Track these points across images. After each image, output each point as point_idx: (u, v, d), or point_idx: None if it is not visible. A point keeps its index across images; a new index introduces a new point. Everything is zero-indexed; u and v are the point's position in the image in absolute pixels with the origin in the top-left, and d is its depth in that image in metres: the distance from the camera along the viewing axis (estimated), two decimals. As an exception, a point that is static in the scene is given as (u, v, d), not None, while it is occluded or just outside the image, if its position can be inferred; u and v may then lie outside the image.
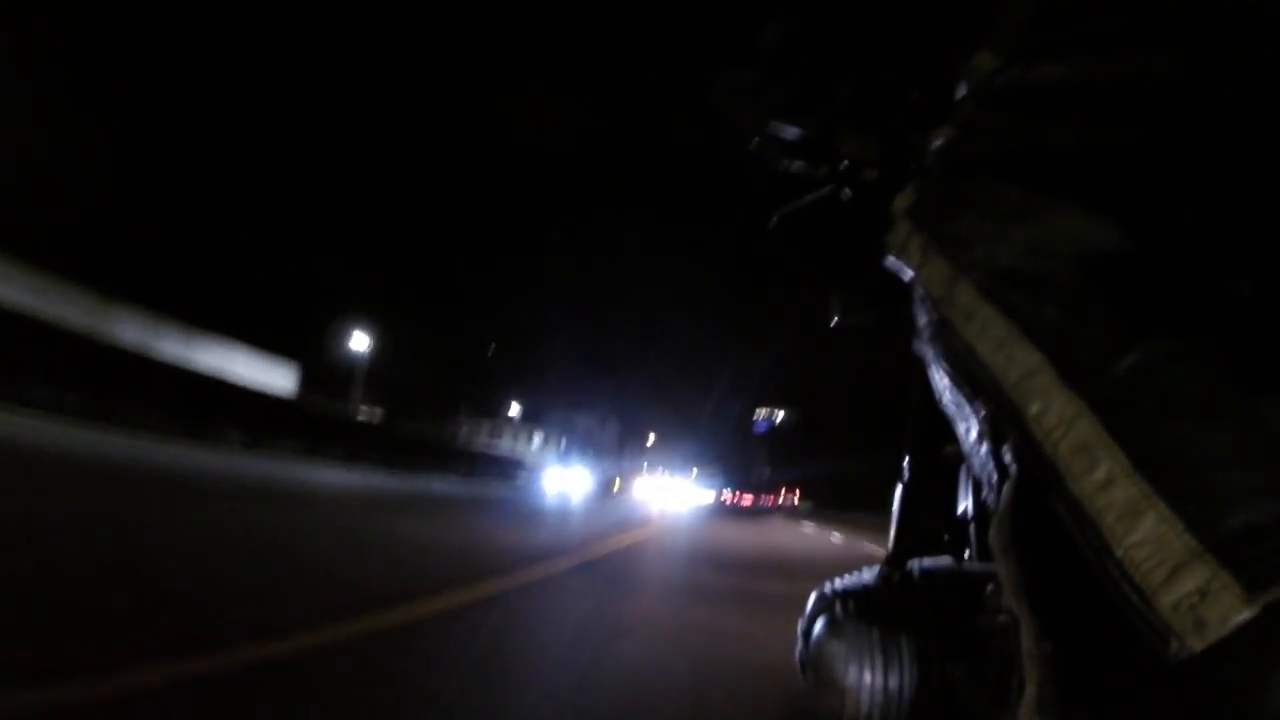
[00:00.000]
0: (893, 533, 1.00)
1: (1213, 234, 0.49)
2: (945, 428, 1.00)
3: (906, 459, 1.03)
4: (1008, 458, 0.50)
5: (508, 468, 31.31)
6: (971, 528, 0.91)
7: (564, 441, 50.71)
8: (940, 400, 0.99)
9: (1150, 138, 0.50)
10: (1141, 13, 0.51)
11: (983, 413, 0.53)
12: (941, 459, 0.97)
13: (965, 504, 0.94)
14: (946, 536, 0.97)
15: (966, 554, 0.93)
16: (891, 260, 0.63)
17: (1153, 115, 0.50)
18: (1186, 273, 0.48)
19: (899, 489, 1.04)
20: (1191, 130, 0.50)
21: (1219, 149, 0.49)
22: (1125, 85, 0.51)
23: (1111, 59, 0.51)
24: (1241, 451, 0.41)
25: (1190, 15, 0.50)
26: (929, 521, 0.99)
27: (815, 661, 0.86)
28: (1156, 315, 0.47)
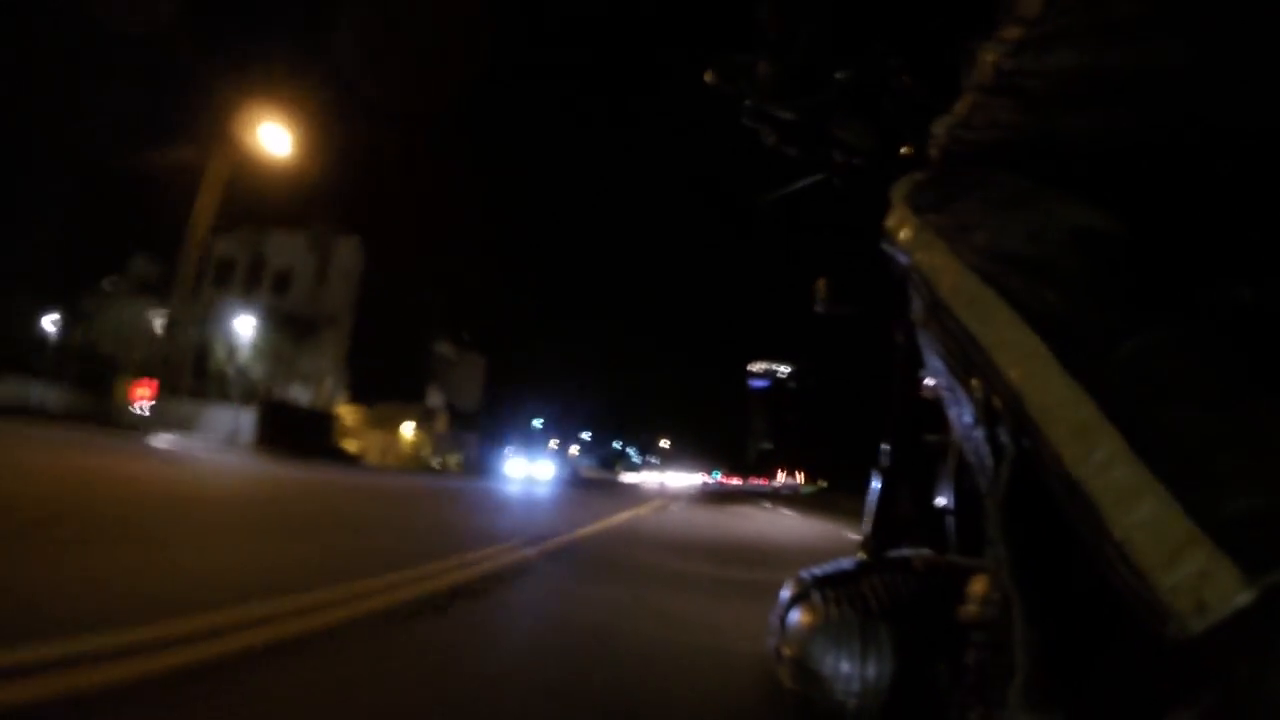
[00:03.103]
0: (870, 521, 1.00)
1: (1216, 223, 0.49)
2: (925, 417, 1.00)
3: (886, 447, 1.03)
4: (1004, 440, 0.50)
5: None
6: (952, 518, 0.91)
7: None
8: (925, 388, 1.00)
9: (1157, 126, 0.50)
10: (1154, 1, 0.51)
11: (979, 396, 0.53)
12: (921, 448, 0.97)
13: (946, 494, 0.94)
14: (925, 526, 0.97)
15: (946, 544, 0.92)
16: (888, 246, 0.63)
17: (1160, 104, 0.50)
18: (1189, 261, 0.48)
19: (877, 477, 1.03)
20: (1199, 120, 0.49)
21: (1225, 140, 0.49)
22: (1134, 74, 0.51)
23: (1123, 47, 0.51)
24: (1241, 437, 0.41)
25: (1203, 4, 0.49)
26: (908, 511, 0.99)
27: (791, 649, 0.85)
28: (1158, 303, 0.47)
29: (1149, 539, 0.40)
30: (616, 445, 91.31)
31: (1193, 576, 0.39)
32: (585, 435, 74.51)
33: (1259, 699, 0.37)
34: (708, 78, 0.87)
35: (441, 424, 38.39)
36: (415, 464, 32.31)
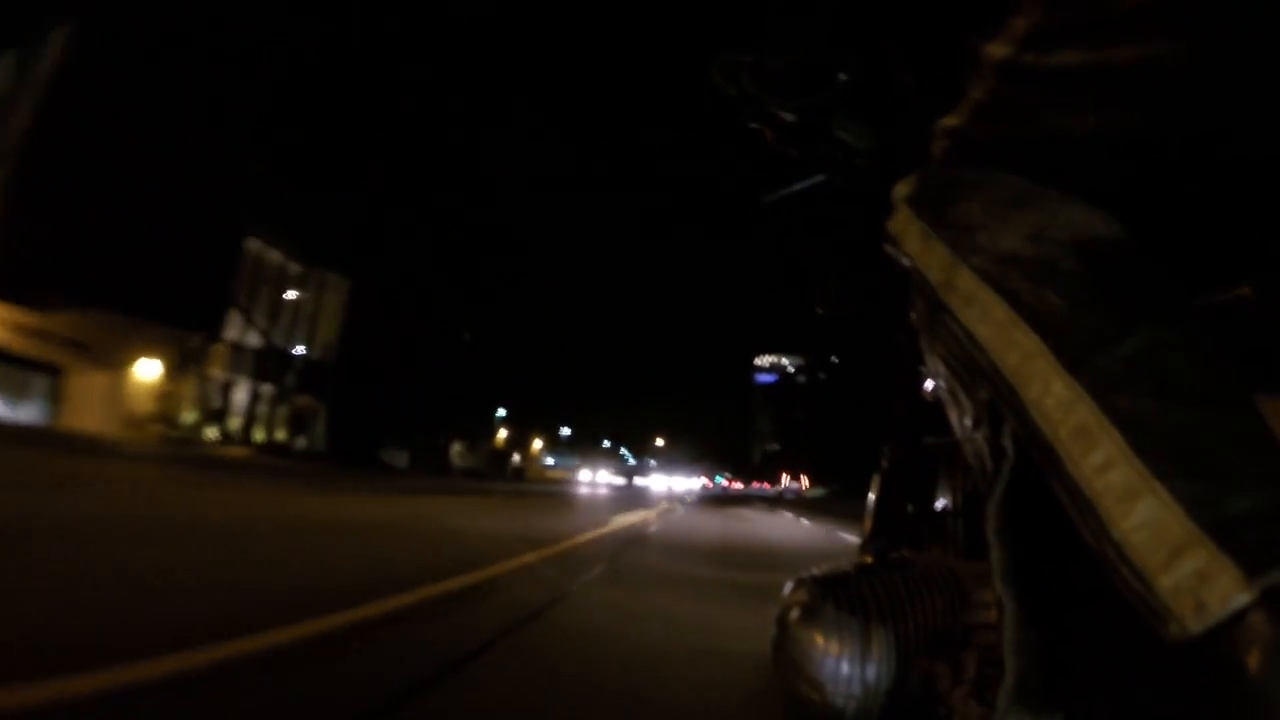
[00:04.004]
0: (871, 523, 1.01)
1: (1217, 223, 0.50)
2: (927, 419, 1.00)
3: (887, 449, 1.03)
4: (1006, 442, 0.50)
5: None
6: (953, 521, 0.91)
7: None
8: (925, 391, 1.00)
9: (1159, 125, 0.51)
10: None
11: (981, 397, 0.53)
12: (922, 450, 0.97)
13: (947, 497, 0.93)
14: (926, 529, 0.97)
15: (947, 547, 0.92)
16: (889, 247, 0.63)
17: (1163, 103, 0.50)
18: (1190, 260, 0.49)
19: (878, 479, 1.03)
20: (1201, 119, 0.50)
21: (1227, 138, 0.49)
22: (1137, 72, 0.50)
23: (1126, 44, 0.51)
24: (1241, 437, 0.41)
25: (1206, 2, 0.49)
26: (909, 513, 0.99)
27: (791, 651, 0.85)
28: (1158, 304, 0.47)
29: (1148, 540, 0.40)
30: (606, 444, 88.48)
31: (1192, 577, 0.38)
32: (565, 430, 71.05)
33: (1259, 700, 0.37)
34: (710, 77, 0.87)
35: (218, 367, 22.58)
36: (152, 432, 18.70)
